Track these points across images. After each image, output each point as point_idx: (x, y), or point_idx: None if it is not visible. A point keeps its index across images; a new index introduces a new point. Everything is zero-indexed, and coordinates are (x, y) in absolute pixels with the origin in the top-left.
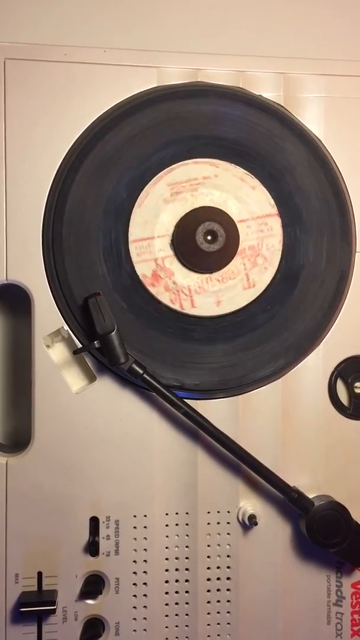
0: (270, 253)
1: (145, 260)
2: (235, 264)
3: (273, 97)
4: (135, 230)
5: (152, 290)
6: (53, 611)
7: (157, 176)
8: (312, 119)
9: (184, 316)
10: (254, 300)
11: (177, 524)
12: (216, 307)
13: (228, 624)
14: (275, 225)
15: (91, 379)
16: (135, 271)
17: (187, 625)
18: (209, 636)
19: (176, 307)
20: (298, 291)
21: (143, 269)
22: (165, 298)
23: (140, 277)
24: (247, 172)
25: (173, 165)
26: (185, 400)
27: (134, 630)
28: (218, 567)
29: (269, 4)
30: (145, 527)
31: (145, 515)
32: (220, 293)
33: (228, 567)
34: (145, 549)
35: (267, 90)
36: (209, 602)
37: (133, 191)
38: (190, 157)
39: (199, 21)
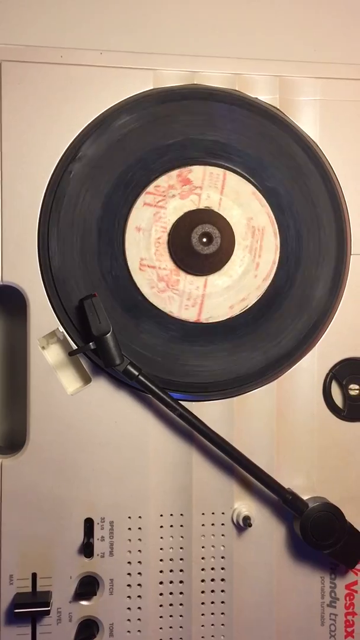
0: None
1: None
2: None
3: (269, 99)
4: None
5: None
6: (47, 612)
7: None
8: (307, 122)
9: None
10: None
11: (171, 525)
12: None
13: (222, 625)
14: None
15: (86, 380)
16: (130, 272)
17: (181, 627)
18: (203, 637)
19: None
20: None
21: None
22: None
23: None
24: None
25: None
26: (180, 401)
27: (128, 632)
28: (212, 569)
29: (265, 7)
30: (139, 528)
31: (139, 517)
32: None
33: (222, 569)
34: (139, 550)
35: (263, 93)
36: (203, 603)
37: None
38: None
39: (196, 24)
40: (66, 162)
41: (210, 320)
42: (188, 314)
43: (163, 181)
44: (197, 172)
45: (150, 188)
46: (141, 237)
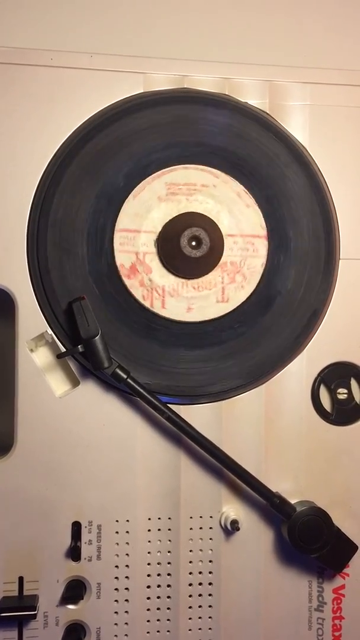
0: (252, 263)
1: (127, 251)
2: (214, 275)
3: (259, 104)
4: (123, 223)
5: (127, 281)
6: (34, 616)
7: (146, 179)
8: (297, 127)
9: (152, 314)
10: (233, 310)
11: (159, 529)
12: (186, 312)
13: (210, 629)
14: (259, 235)
15: (75, 383)
16: (114, 259)
17: (168, 631)
18: None
19: (146, 303)
20: (282, 296)
21: (122, 259)
22: (137, 292)
23: (118, 266)
24: (234, 181)
25: (161, 171)
26: (168, 405)
27: (115, 636)
28: (200, 572)
29: (256, 12)
30: (127, 532)
31: (127, 520)
32: (193, 300)
33: (210, 572)
34: (127, 554)
35: (253, 97)
36: (190, 607)
37: (118, 194)
38: (180, 163)
39: (186, 28)
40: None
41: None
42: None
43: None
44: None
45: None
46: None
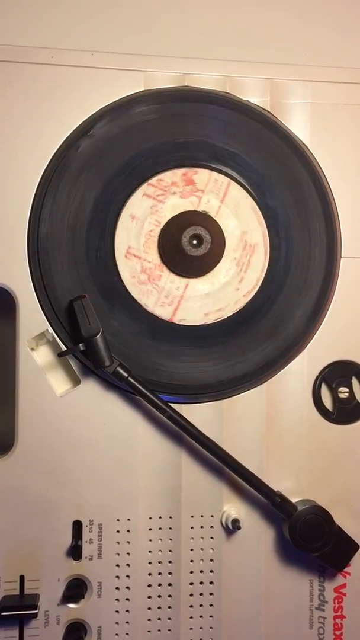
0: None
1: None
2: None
3: (260, 102)
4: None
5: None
6: (35, 615)
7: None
8: (298, 125)
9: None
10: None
11: (160, 528)
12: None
13: (211, 628)
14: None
15: (75, 382)
16: (115, 256)
17: (169, 630)
18: None
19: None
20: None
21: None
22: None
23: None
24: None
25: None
26: (169, 404)
27: (116, 635)
28: (201, 571)
29: (257, 10)
30: (128, 530)
31: (128, 519)
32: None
33: (211, 571)
34: (128, 553)
35: (254, 95)
36: (191, 606)
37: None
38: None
39: (187, 26)
40: (57, 163)
41: (182, 323)
42: (162, 311)
43: (167, 176)
44: (202, 176)
45: (153, 180)
46: (134, 225)
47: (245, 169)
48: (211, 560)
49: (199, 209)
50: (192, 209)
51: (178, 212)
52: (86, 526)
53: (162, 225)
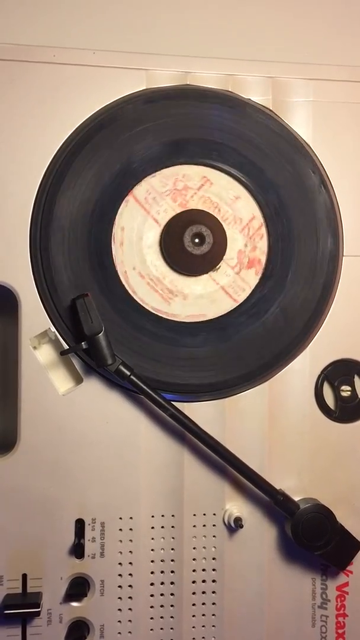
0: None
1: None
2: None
3: (262, 101)
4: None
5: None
6: (38, 613)
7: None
8: (300, 123)
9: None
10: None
11: (162, 527)
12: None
13: (213, 626)
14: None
15: (78, 380)
16: (117, 271)
17: (172, 628)
18: (194, 638)
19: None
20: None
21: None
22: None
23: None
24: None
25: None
26: (172, 402)
27: (119, 633)
28: (203, 570)
29: (259, 9)
30: (130, 529)
31: (130, 518)
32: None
33: (213, 570)
34: (130, 551)
35: (256, 94)
36: (194, 604)
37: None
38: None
39: (189, 24)
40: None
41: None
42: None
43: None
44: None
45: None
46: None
47: (246, 168)
48: (213, 558)
49: (198, 207)
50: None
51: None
52: (89, 525)
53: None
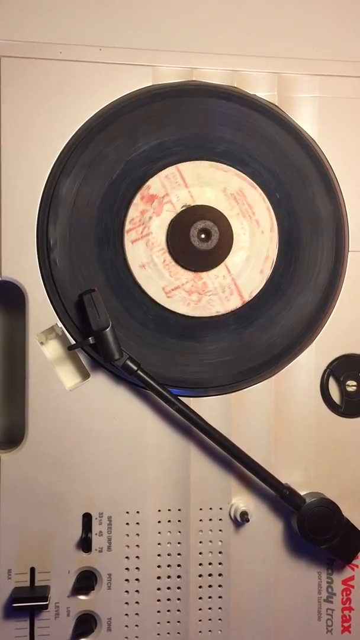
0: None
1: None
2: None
3: (267, 96)
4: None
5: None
6: (45, 607)
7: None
8: (306, 119)
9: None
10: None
11: (169, 521)
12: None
13: (219, 619)
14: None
15: (85, 376)
16: (125, 251)
17: (178, 621)
18: (200, 632)
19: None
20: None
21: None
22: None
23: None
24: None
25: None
26: (178, 397)
27: (126, 626)
28: (210, 564)
29: (264, 4)
30: (137, 523)
31: (137, 512)
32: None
33: (220, 564)
34: (137, 545)
35: (262, 90)
36: (200, 598)
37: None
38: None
39: (195, 20)
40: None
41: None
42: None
43: (133, 212)
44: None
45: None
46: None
47: (253, 163)
48: (220, 552)
49: (178, 209)
50: (174, 214)
51: (184, 207)
52: (96, 519)
53: (169, 222)
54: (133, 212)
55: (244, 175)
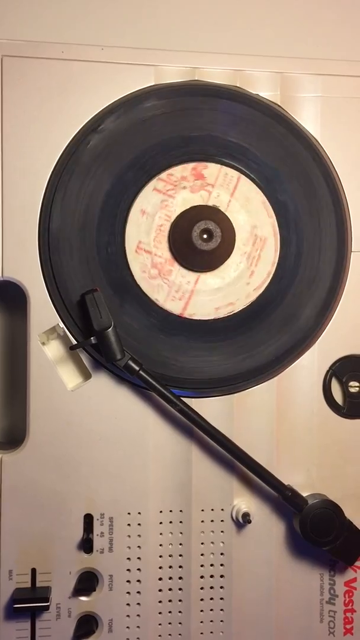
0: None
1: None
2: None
3: (270, 96)
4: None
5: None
6: (47, 608)
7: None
8: (309, 119)
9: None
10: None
11: (171, 522)
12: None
13: (221, 621)
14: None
15: (86, 376)
16: (126, 251)
17: (180, 623)
18: (202, 633)
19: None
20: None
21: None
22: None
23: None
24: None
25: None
26: (180, 397)
27: (127, 627)
28: (212, 565)
29: (267, 4)
30: (139, 524)
31: (139, 513)
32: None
33: (222, 565)
34: (139, 546)
35: (265, 89)
36: (202, 599)
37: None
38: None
39: (197, 20)
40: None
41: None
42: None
43: (177, 171)
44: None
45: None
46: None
47: (255, 163)
48: (222, 554)
49: (209, 204)
50: (202, 203)
51: (188, 206)
52: (97, 520)
53: (172, 220)
54: (177, 171)
55: (277, 226)
